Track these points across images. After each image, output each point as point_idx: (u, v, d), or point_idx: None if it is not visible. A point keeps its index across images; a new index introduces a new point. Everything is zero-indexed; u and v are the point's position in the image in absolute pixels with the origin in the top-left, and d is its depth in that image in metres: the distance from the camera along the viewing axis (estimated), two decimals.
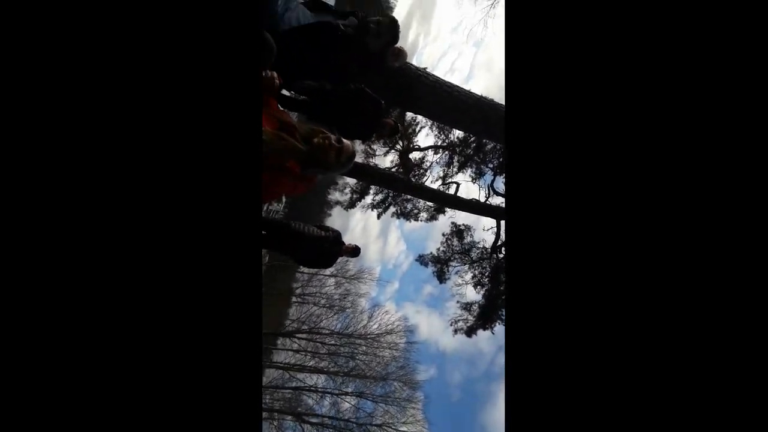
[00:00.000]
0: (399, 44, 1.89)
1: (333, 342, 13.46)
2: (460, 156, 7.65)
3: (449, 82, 3.21)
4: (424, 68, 3.43)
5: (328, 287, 14.88)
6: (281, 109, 1.39)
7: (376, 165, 8.09)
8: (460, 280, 8.19)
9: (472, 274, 7.96)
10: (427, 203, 8.23)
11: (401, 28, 1.79)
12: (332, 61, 1.67)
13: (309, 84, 2.08)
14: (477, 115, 3.20)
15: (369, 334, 13.22)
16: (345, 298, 14.37)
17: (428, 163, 8.00)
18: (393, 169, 7.98)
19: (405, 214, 9.09)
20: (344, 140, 1.30)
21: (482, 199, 7.12)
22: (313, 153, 1.26)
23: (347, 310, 14.09)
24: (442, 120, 4.67)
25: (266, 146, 1.17)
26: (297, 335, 13.59)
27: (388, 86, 2.95)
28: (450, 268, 8.33)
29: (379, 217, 9.67)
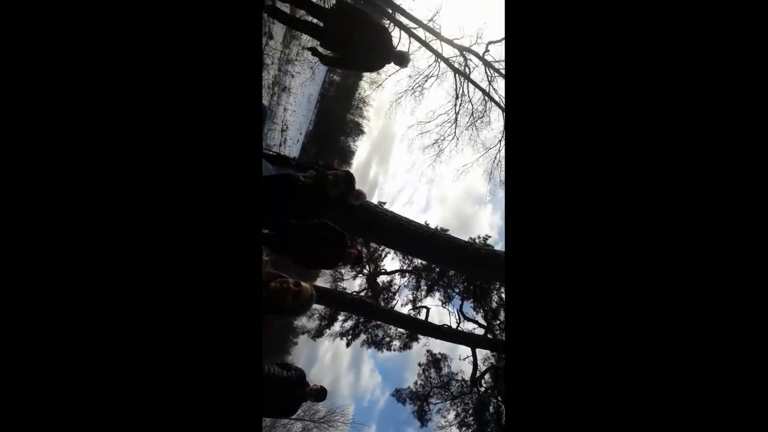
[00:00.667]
0: (358, 186, 2.06)
1: None
2: (426, 280, 7.75)
3: (406, 218, 3.48)
4: (383, 203, 3.73)
5: None
6: None
7: (344, 289, 7.95)
8: (443, 421, 7.33)
9: (455, 413, 7.21)
10: (399, 330, 7.88)
11: (361, 169, 1.99)
12: (293, 207, 1.76)
13: (274, 222, 2.14)
14: (433, 246, 3.39)
15: None
16: None
17: (396, 287, 7.99)
18: (362, 293, 7.82)
19: (376, 343, 8.56)
20: (302, 283, 1.27)
21: (454, 325, 6.97)
22: (270, 297, 1.21)
23: None
24: (403, 251, 4.87)
25: None
26: None
27: (351, 220, 3.11)
28: (430, 406, 7.53)
29: (348, 345, 9.01)
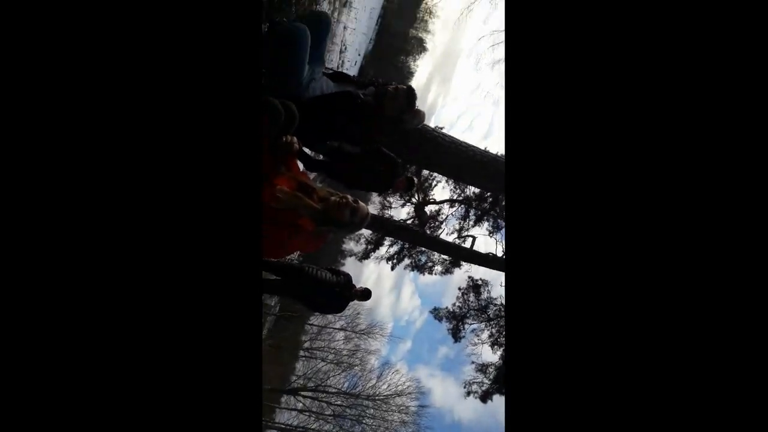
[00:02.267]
0: (417, 106, 2.00)
1: (339, 402, 12.68)
2: (476, 210, 7.68)
3: (464, 142, 3.33)
4: (441, 128, 3.59)
5: (337, 342, 14.37)
6: (301, 170, 1.46)
7: (392, 216, 8.19)
8: (476, 339, 7.80)
9: (488, 333, 7.58)
10: (443, 256, 8.12)
11: (420, 91, 1.91)
12: (352, 126, 1.78)
13: (329, 145, 2.21)
14: (492, 172, 3.26)
15: (378, 396, 12.44)
16: (354, 354, 13.78)
17: (444, 216, 8.04)
18: (408, 222, 8.04)
19: (419, 267, 8.97)
20: (360, 202, 1.35)
21: (499, 254, 6.99)
22: (328, 211, 1.31)
23: (356, 368, 13.44)
24: (458, 177, 4.77)
25: (281, 203, 1.22)
26: (302, 393, 12.90)
27: (406, 145, 3.08)
28: (466, 326, 7.98)
29: (392, 268, 9.56)
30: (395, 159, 2.44)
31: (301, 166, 1.76)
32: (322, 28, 1.63)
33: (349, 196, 1.35)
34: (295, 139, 1.39)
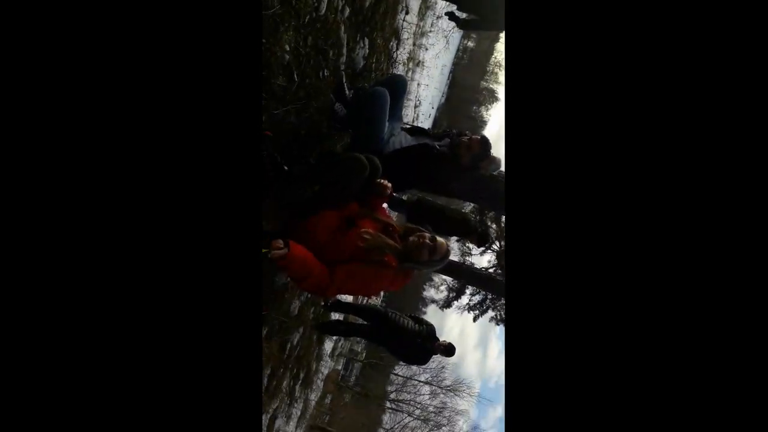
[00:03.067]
0: (492, 153, 2.02)
1: None
2: None
3: None
4: None
5: (423, 396, 13.60)
6: (387, 213, 1.55)
7: (473, 264, 7.88)
8: None
9: None
10: None
11: (494, 138, 1.93)
12: (430, 175, 1.85)
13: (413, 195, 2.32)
14: None
15: None
16: (441, 412, 12.81)
17: None
18: (491, 270, 7.63)
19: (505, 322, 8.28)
20: (438, 238, 1.38)
21: None
22: (408, 250, 1.36)
23: (443, 428, 12.41)
24: None
25: (368, 243, 1.31)
26: None
27: (484, 192, 3.04)
28: None
29: (475, 319, 8.99)
30: (466, 217, 2.48)
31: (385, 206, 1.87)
32: (398, 89, 1.79)
33: (427, 234, 1.38)
34: (387, 182, 1.50)
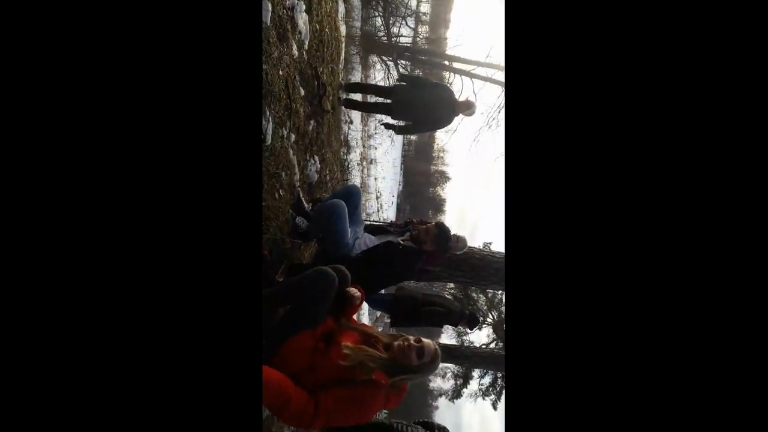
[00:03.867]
0: (457, 233, 2.08)
1: None
2: None
3: None
4: (489, 243, 3.58)
5: None
6: (360, 324, 1.47)
7: (471, 343, 7.48)
8: None
9: None
10: None
11: (456, 217, 2.03)
12: (403, 271, 1.86)
13: (390, 290, 2.28)
14: None
15: None
16: None
17: None
18: (492, 345, 7.25)
19: None
20: (424, 339, 1.28)
21: None
22: (395, 358, 1.24)
23: None
24: None
25: (350, 360, 1.19)
26: None
27: (460, 269, 3.05)
28: None
29: (494, 407, 8.17)
30: (447, 303, 2.48)
31: (365, 309, 1.78)
32: (353, 197, 1.89)
33: (410, 337, 1.29)
34: (356, 290, 1.45)
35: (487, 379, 8.00)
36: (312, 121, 2.55)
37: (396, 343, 1.28)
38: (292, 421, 1.15)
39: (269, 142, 1.82)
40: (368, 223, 2.33)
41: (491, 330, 7.39)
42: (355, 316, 1.57)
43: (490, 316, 7.34)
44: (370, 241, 1.87)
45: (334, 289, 1.35)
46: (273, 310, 1.58)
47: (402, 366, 1.25)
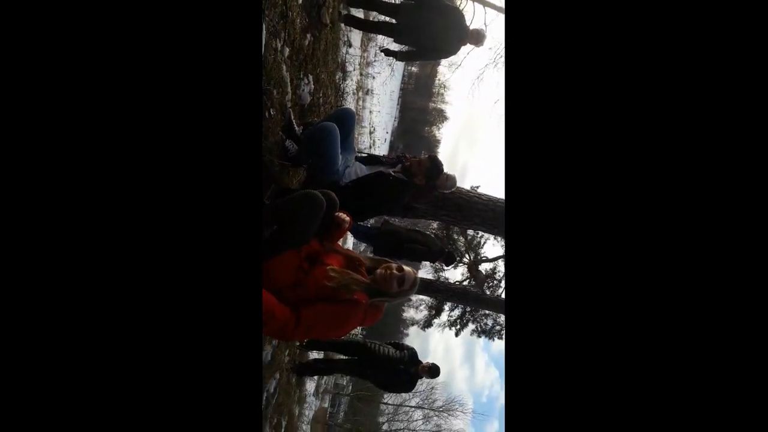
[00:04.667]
0: (448, 171, 2.08)
1: None
2: None
3: (500, 198, 3.30)
4: (476, 187, 3.61)
5: (416, 422, 13.17)
6: (343, 248, 1.52)
7: (447, 279, 7.93)
8: None
9: None
10: None
11: (448, 156, 2.02)
12: (390, 202, 1.87)
13: (375, 222, 2.32)
14: None
15: None
16: None
17: (500, 274, 7.64)
18: (465, 282, 7.71)
19: (487, 332, 8.33)
20: (405, 267, 1.35)
21: None
22: (377, 283, 1.32)
23: None
24: (501, 233, 4.65)
25: (335, 282, 1.26)
26: None
27: (445, 210, 3.11)
28: None
29: (457, 334, 8.96)
30: (429, 242, 2.53)
31: (350, 239, 1.83)
32: (347, 121, 1.82)
33: (393, 265, 1.35)
34: (345, 215, 1.47)
35: (456, 312, 8.66)
36: (308, 35, 2.35)
37: (379, 270, 1.34)
38: (275, 333, 1.23)
39: (261, 52, 1.68)
40: (359, 154, 2.29)
41: (466, 269, 7.81)
42: (340, 242, 1.61)
43: (467, 257, 7.69)
44: (360, 170, 1.85)
45: (322, 210, 1.36)
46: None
47: (382, 290, 1.32)
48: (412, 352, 2.81)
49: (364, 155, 2.20)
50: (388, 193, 1.82)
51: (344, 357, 3.14)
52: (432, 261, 2.74)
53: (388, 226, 2.75)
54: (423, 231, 2.74)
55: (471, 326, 8.60)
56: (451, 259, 2.87)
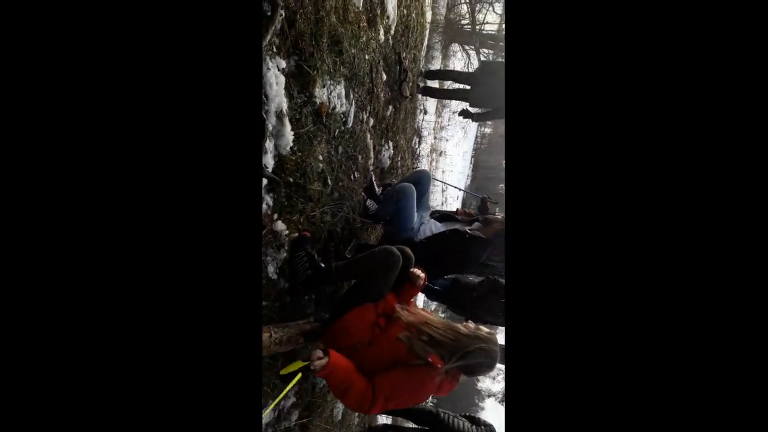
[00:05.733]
0: None
1: None
2: None
3: None
4: None
5: None
6: (418, 308, 1.51)
7: None
8: None
9: None
10: None
11: None
12: (467, 259, 1.85)
13: (446, 282, 2.29)
14: None
15: None
16: None
17: None
18: None
19: None
20: (483, 328, 1.28)
21: None
22: (454, 343, 1.25)
23: None
24: None
25: (406, 344, 1.24)
26: None
27: None
28: None
29: None
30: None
31: (421, 299, 1.80)
32: (423, 182, 1.92)
33: (470, 325, 1.29)
34: (420, 272, 1.49)
35: None
36: (390, 107, 2.61)
37: (459, 329, 1.29)
38: (353, 403, 1.19)
39: (350, 125, 1.91)
40: (433, 211, 2.34)
41: None
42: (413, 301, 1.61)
43: None
44: (435, 227, 1.89)
45: (398, 265, 1.41)
46: (339, 281, 1.70)
47: (460, 353, 1.24)
48: (491, 429, 2.52)
49: (440, 211, 2.25)
50: (463, 250, 1.81)
51: (415, 425, 2.94)
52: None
53: (461, 282, 2.62)
54: (498, 281, 2.54)
55: None
56: None
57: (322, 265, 1.55)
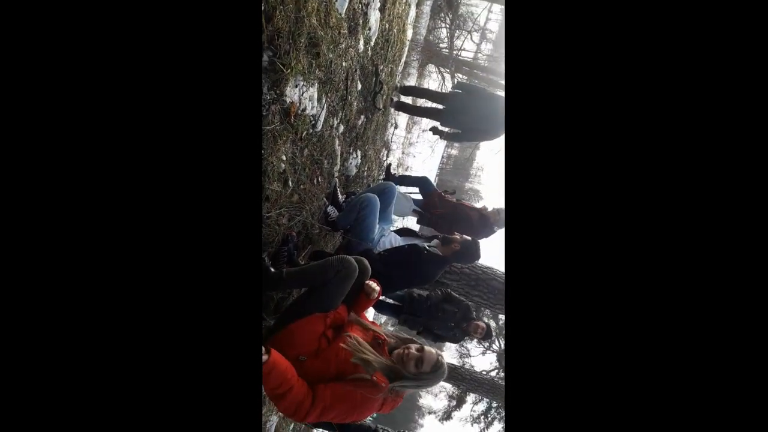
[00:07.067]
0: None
1: None
2: None
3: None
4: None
5: None
6: (371, 322, 1.48)
7: (473, 367, 7.30)
8: None
9: None
10: None
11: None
12: (422, 275, 1.86)
13: (399, 294, 2.29)
14: None
15: None
16: None
17: None
18: (493, 373, 7.05)
19: None
20: (426, 348, 1.26)
21: None
22: (393, 365, 1.23)
23: None
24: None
25: (350, 345, 1.21)
26: None
27: (478, 288, 3.01)
28: None
29: None
30: (467, 303, 2.42)
31: (371, 312, 1.78)
32: (388, 195, 1.91)
33: (412, 346, 1.26)
34: (376, 285, 1.46)
35: (480, 406, 7.78)
36: (362, 116, 2.60)
37: (396, 351, 1.27)
38: (289, 411, 1.15)
39: (319, 128, 1.87)
40: (397, 227, 2.35)
41: (495, 357, 7.20)
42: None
43: (497, 343, 7.15)
44: (395, 240, 1.88)
45: (353, 277, 1.37)
46: (289, 289, 1.63)
47: (399, 372, 1.22)
48: None
49: (398, 228, 2.26)
50: (421, 266, 1.81)
51: None
52: (466, 323, 2.52)
53: (415, 294, 2.64)
54: (452, 294, 2.58)
55: (498, 426, 7.64)
56: (488, 334, 2.67)
57: (272, 269, 1.48)
